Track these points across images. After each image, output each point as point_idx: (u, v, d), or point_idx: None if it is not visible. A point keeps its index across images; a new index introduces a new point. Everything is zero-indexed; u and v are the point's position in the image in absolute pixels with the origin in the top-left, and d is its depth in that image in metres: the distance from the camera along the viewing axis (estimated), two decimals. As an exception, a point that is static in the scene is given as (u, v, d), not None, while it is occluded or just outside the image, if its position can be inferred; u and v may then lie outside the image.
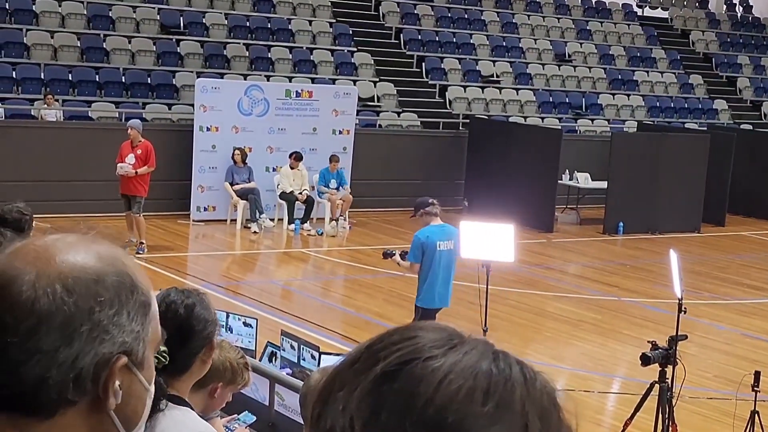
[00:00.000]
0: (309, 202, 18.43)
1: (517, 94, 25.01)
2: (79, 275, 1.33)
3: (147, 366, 1.41)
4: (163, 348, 3.16)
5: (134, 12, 21.90)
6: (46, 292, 1.31)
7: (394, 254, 10.31)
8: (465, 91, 24.25)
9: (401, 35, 25.31)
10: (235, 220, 18.22)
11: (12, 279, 1.31)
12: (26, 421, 1.32)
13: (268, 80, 20.97)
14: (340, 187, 18.88)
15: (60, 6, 21.15)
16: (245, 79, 20.70)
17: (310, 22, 23.99)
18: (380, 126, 21.97)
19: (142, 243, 15.57)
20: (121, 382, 1.35)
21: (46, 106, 18.64)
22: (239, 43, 22.30)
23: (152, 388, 1.45)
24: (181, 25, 22.32)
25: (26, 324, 1.30)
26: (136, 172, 15.46)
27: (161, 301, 3.30)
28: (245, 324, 7.96)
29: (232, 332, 7.80)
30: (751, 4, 33.93)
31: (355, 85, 21.97)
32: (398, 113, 22.66)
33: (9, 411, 1.32)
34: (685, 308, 8.76)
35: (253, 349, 7.82)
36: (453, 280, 10.06)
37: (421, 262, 9.80)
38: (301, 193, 18.34)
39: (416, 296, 10.11)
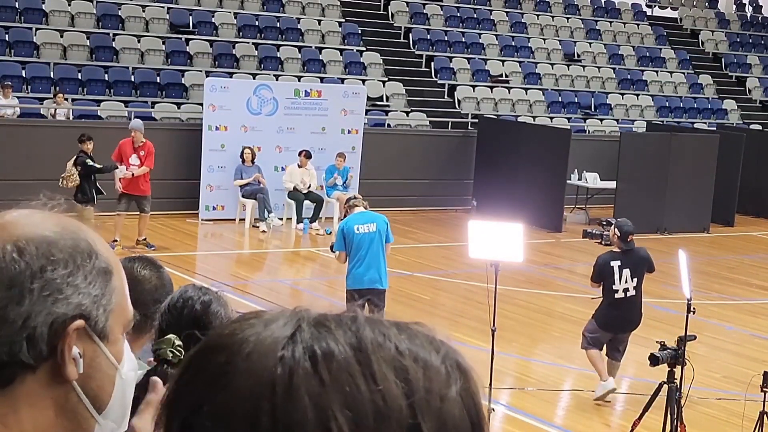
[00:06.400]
0: (318, 202, 18.44)
1: (526, 93, 24.99)
2: (31, 236, 1.31)
3: (113, 340, 1.37)
4: (178, 343, 3.16)
5: (143, 11, 21.93)
6: None
7: None
8: (474, 91, 24.24)
9: (410, 35, 25.31)
10: (244, 219, 18.24)
11: None
12: None
13: (277, 79, 20.98)
14: (346, 183, 18.92)
15: (69, 5, 21.19)
16: (254, 78, 20.72)
17: (319, 21, 24.00)
18: (389, 125, 21.96)
19: (140, 240, 15.76)
20: (82, 350, 1.32)
21: (56, 105, 18.67)
22: (248, 43, 22.32)
23: (126, 369, 1.40)
24: (191, 24, 22.36)
25: None
26: (132, 174, 15.57)
27: (178, 297, 3.29)
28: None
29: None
30: (760, 4, 33.85)
31: (363, 84, 21.97)
32: (407, 113, 22.65)
33: None
34: (693, 308, 8.76)
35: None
36: (385, 262, 10.43)
37: (346, 248, 10.34)
38: (304, 188, 18.32)
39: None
